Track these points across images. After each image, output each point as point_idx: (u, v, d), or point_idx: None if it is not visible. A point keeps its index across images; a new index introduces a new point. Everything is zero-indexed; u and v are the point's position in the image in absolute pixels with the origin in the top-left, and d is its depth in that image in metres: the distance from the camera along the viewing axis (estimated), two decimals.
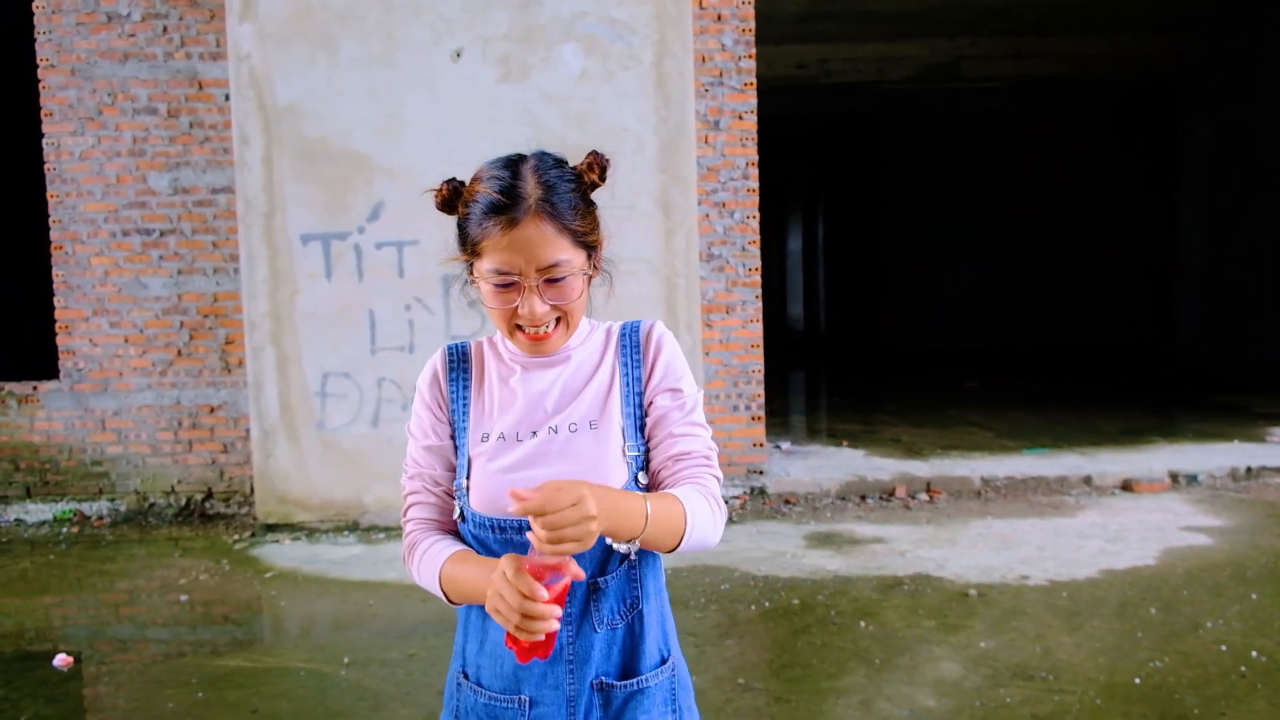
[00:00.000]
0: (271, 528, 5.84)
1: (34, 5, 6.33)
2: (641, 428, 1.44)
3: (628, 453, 1.42)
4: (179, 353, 6.40)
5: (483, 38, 5.70)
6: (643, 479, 1.41)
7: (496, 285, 1.36)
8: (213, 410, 6.40)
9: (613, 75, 5.76)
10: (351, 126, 5.70)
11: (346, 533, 5.79)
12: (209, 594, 4.91)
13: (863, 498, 6.29)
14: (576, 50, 5.75)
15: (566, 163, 1.42)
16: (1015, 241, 14.48)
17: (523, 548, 1.38)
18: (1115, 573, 4.77)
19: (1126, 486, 6.40)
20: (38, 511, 6.43)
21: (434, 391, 1.49)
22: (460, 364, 1.50)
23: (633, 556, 1.41)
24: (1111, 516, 5.80)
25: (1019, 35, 10.53)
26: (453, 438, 1.48)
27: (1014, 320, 14.46)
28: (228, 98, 6.20)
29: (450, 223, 1.45)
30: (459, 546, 1.43)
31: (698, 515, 1.34)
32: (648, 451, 1.45)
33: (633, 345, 1.47)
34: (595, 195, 1.44)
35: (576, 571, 1.21)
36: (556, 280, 1.36)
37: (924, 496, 6.30)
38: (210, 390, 6.40)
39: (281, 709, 3.54)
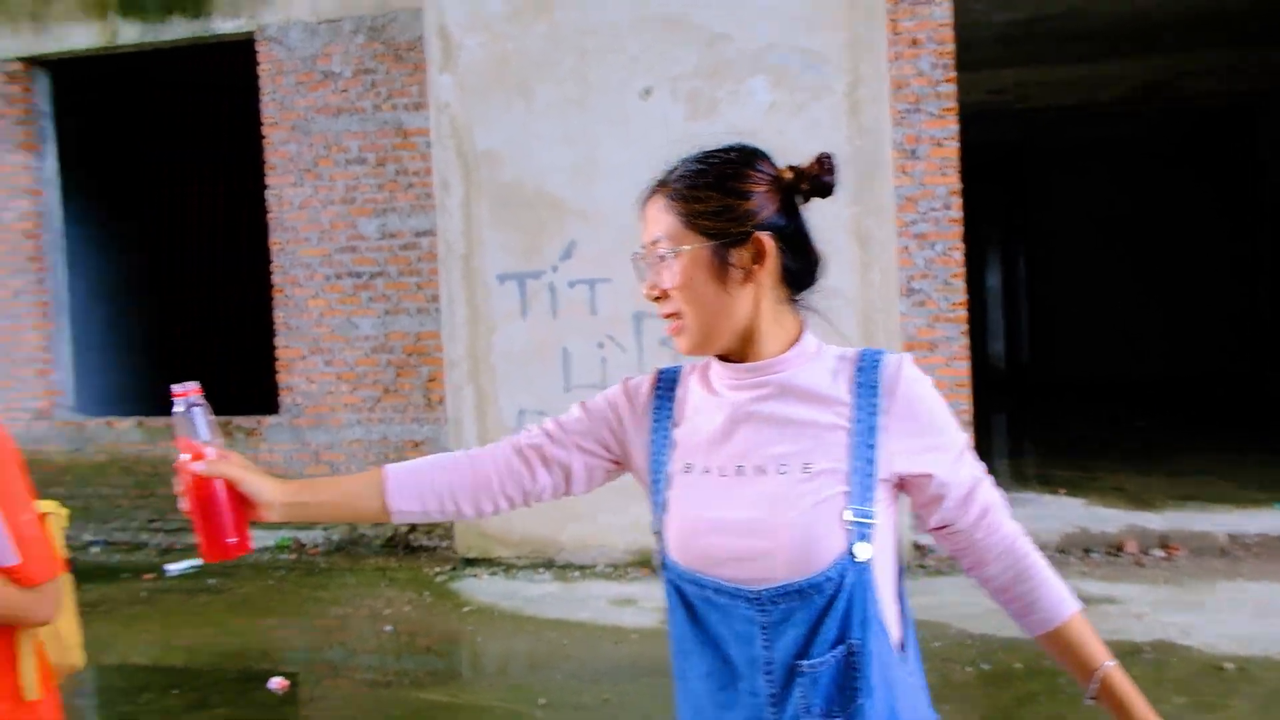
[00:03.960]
0: (470, 562, 5.96)
1: (259, 70, 6.85)
2: (871, 488, 1.22)
3: (847, 516, 1.20)
4: (386, 390, 6.68)
5: (671, 76, 5.70)
6: (862, 552, 1.20)
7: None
8: (416, 445, 6.64)
9: (803, 106, 5.62)
10: (546, 170, 5.81)
11: (542, 570, 5.83)
12: (412, 625, 5.03)
13: (1086, 551, 5.75)
14: (765, 83, 5.66)
15: (739, 150, 1.32)
16: (1165, 268, 13.48)
17: (724, 610, 1.25)
18: None
19: None
20: (260, 538, 6.84)
21: (630, 403, 1.39)
22: (668, 391, 1.38)
23: (852, 641, 1.20)
24: None
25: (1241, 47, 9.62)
26: (613, 460, 1.41)
27: (1168, 350, 13.42)
28: (430, 146, 6.47)
29: None
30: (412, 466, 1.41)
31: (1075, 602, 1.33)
32: (905, 514, 1.29)
33: (870, 383, 1.26)
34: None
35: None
36: (659, 259, 1.28)
37: (1159, 553, 5.68)
38: (414, 426, 6.64)
39: None
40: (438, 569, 6.04)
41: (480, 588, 5.61)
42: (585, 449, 1.39)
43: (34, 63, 7.41)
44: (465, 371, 5.90)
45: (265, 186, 6.91)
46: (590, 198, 5.74)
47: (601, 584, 5.56)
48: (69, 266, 7.71)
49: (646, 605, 5.12)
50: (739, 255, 1.26)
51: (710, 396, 1.33)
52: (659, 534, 1.33)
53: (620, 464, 1.41)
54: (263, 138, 6.88)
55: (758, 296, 1.27)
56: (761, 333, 1.28)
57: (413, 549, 6.57)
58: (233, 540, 1.27)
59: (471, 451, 1.43)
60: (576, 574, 5.74)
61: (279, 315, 6.87)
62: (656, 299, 1.30)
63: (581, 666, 4.32)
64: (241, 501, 1.30)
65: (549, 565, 5.86)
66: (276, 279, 6.86)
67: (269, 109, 6.83)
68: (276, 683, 4.18)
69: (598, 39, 5.77)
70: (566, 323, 5.79)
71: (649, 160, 5.86)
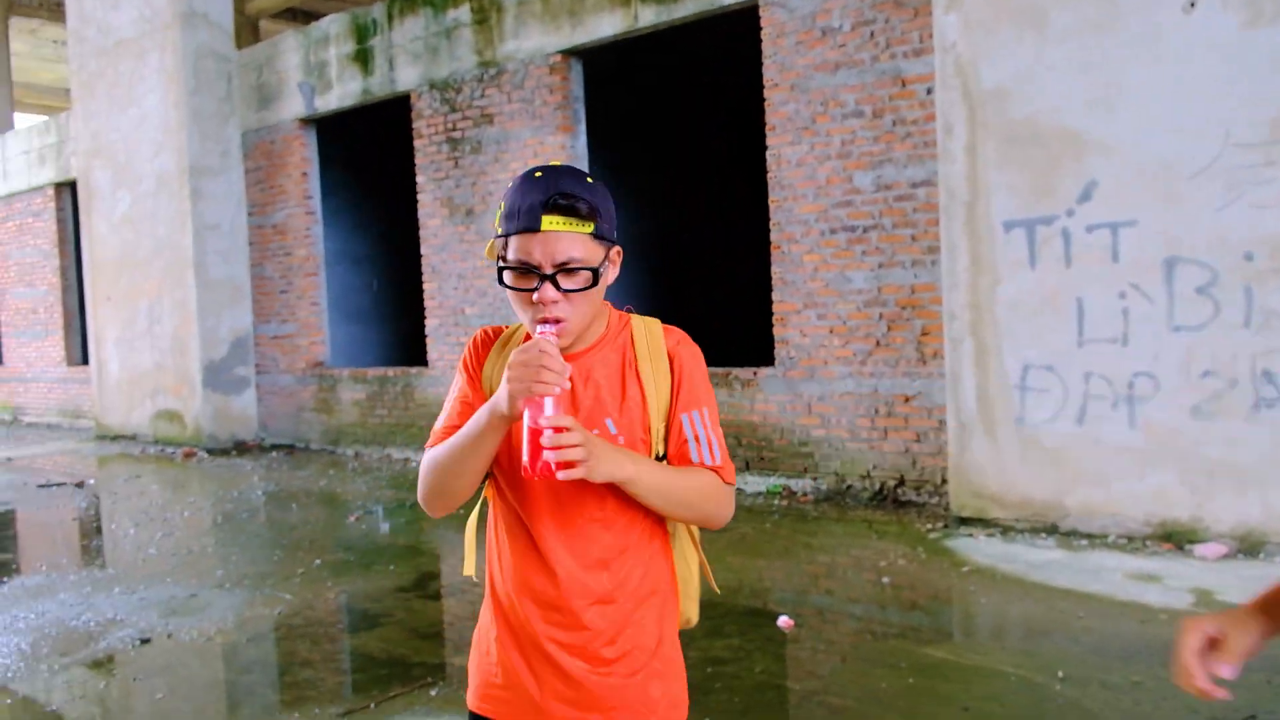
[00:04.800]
0: (964, 521, 5.76)
1: (761, 34, 7.12)
2: None
3: None
4: (877, 343, 6.66)
5: None
6: None
7: None
8: (907, 400, 6.55)
9: None
10: (1061, 103, 5.32)
11: (1044, 535, 5.44)
12: (907, 579, 4.98)
13: None
14: None
15: None
16: None
17: None
18: None
19: None
20: (754, 483, 7.24)
21: None
22: None
23: None
24: None
25: None
26: None
27: None
28: (929, 92, 6.27)
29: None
30: None
31: None
32: None
33: None
34: None
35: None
36: None
37: None
38: (905, 380, 6.55)
39: (993, 711, 3.38)
40: (929, 526, 5.91)
41: (976, 548, 5.39)
42: None
43: (570, 54, 8.44)
44: (965, 324, 5.66)
45: (765, 148, 7.19)
46: (1114, 130, 5.15)
47: (1115, 556, 5.05)
48: None
49: (1175, 585, 4.55)
50: None
51: None
52: None
53: None
54: (763, 100, 7.16)
55: None
56: None
57: (901, 503, 6.52)
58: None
59: None
60: (1083, 542, 5.27)
61: (775, 271, 7.14)
62: None
63: (1102, 642, 3.95)
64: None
65: (1051, 530, 5.45)
66: (774, 236, 7.13)
67: (770, 71, 7.07)
68: (784, 621, 4.38)
69: None
70: (1082, 271, 5.29)
71: (1189, 82, 5.14)
